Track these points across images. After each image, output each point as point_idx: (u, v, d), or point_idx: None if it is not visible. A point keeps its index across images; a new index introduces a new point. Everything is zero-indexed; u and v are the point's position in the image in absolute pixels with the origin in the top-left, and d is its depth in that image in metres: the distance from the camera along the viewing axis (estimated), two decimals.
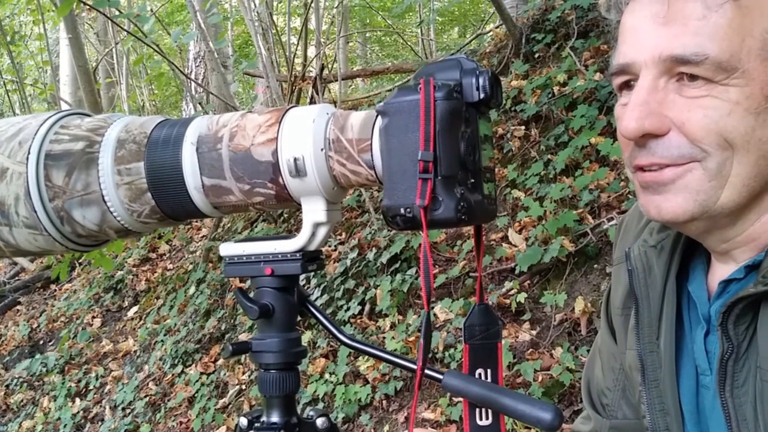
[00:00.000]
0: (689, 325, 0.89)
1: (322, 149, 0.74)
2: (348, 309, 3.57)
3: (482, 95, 0.69)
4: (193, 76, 7.97)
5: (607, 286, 1.09)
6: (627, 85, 0.82)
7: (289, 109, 0.77)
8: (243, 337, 4.06)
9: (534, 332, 2.85)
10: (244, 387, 3.79)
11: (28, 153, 0.77)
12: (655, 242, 0.91)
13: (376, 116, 0.72)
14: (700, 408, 0.86)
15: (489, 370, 0.82)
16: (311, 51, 6.40)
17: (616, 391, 1.03)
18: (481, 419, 0.80)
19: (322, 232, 0.79)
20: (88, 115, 0.85)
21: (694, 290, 0.88)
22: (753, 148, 0.74)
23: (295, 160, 0.73)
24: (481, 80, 0.69)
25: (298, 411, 0.85)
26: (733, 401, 0.77)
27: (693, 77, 0.74)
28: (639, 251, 0.92)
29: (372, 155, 0.73)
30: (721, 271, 0.85)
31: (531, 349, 2.77)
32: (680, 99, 0.75)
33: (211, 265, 5.13)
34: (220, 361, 4.13)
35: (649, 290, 0.89)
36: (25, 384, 5.31)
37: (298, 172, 0.74)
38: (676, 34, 0.74)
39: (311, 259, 0.81)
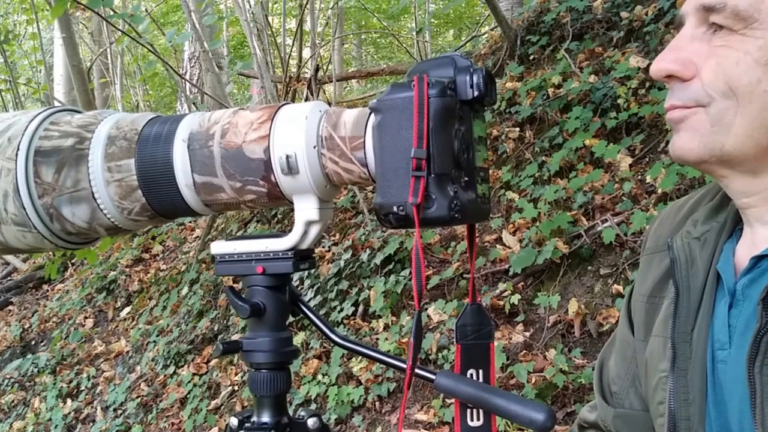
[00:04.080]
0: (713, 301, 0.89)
1: (314, 147, 0.73)
2: (341, 310, 3.56)
3: (476, 93, 0.69)
4: (187, 77, 7.95)
5: (631, 281, 1.08)
6: None
7: (281, 106, 0.77)
8: (236, 338, 4.05)
9: (527, 334, 2.85)
10: (236, 388, 3.78)
11: (17, 149, 0.77)
12: (698, 234, 0.92)
13: (369, 113, 0.71)
14: (716, 383, 0.85)
15: (481, 371, 0.81)
16: (306, 52, 6.40)
17: (626, 380, 1.03)
18: (472, 420, 0.79)
19: (314, 230, 0.79)
20: (79, 112, 0.84)
21: (721, 267, 0.88)
22: (756, 99, 0.77)
23: (288, 157, 0.73)
24: (475, 78, 0.69)
25: (291, 412, 0.85)
26: (761, 378, 0.77)
27: (721, 27, 0.78)
28: (682, 242, 0.92)
29: (365, 153, 0.72)
30: (748, 240, 0.86)
31: (524, 351, 2.77)
32: (706, 47, 0.80)
33: (204, 265, 5.12)
34: (213, 362, 4.11)
35: (690, 281, 0.89)
36: (17, 384, 5.28)
37: (291, 169, 0.73)
38: None
39: (303, 257, 0.80)
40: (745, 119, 0.77)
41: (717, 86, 0.78)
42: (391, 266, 3.57)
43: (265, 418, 0.82)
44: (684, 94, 0.81)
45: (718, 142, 0.79)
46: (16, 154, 0.76)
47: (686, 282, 0.89)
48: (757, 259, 0.82)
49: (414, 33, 8.92)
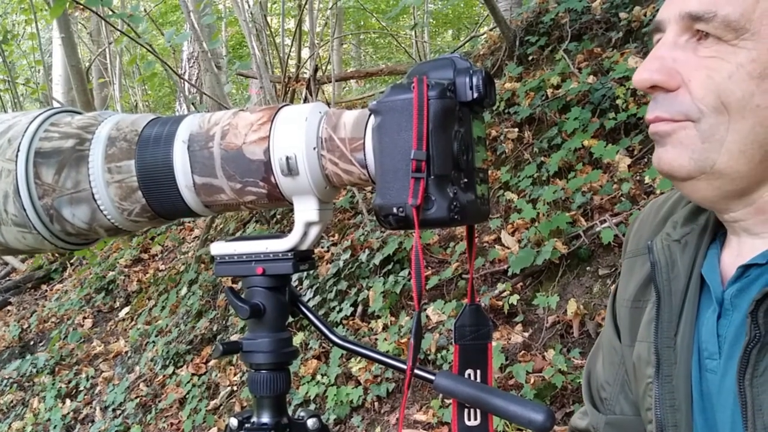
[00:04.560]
0: (698, 307, 0.87)
1: (314, 148, 0.74)
2: (340, 310, 3.56)
3: (476, 95, 0.69)
4: (186, 77, 7.95)
5: (615, 281, 1.07)
6: None
7: (281, 107, 0.77)
8: (235, 338, 4.05)
9: (526, 334, 2.86)
10: (235, 388, 3.78)
11: (18, 150, 0.77)
12: (678, 236, 0.90)
13: (369, 115, 0.71)
14: (704, 393, 0.84)
15: (479, 371, 0.82)
16: (305, 52, 6.40)
17: (615, 386, 1.01)
18: (469, 420, 0.80)
19: (314, 231, 0.79)
20: (79, 113, 0.84)
21: (706, 273, 0.86)
22: (749, 114, 0.74)
23: (287, 158, 0.73)
24: (474, 79, 0.69)
25: (290, 413, 0.85)
26: (752, 390, 0.76)
27: (707, 35, 0.75)
28: (662, 245, 0.90)
29: (365, 154, 0.72)
30: (735, 249, 0.84)
31: (523, 351, 2.77)
32: (693, 57, 0.77)
33: (203, 266, 5.12)
34: (212, 363, 4.11)
35: (672, 285, 0.87)
36: (15, 385, 5.28)
37: (290, 170, 0.73)
38: None
39: (303, 258, 0.80)
40: (738, 135, 0.75)
41: (708, 101, 0.75)
42: (390, 266, 3.57)
43: (265, 418, 0.82)
44: (672, 107, 0.78)
45: (710, 159, 0.76)
46: (17, 155, 0.77)
47: (667, 286, 0.88)
48: (745, 268, 0.80)
49: (413, 33, 8.92)
